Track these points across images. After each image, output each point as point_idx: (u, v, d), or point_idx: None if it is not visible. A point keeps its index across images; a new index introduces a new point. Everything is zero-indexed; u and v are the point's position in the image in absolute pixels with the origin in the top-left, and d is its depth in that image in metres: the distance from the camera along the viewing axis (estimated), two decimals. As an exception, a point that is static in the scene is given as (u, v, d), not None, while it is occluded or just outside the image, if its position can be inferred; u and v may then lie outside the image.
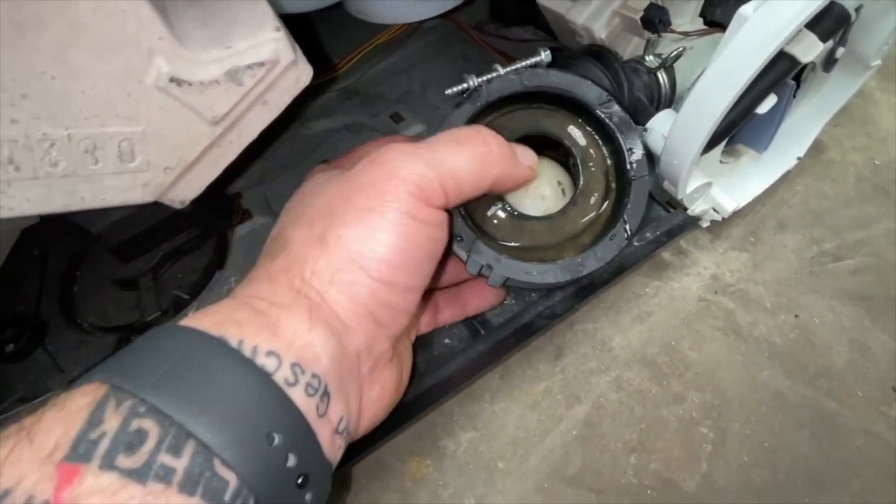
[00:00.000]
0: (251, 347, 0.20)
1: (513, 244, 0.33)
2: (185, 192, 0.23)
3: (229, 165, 0.26)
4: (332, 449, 0.22)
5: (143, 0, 0.17)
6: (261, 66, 0.20)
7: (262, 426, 0.19)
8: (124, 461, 0.16)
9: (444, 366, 0.36)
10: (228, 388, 0.18)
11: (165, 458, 0.17)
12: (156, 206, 0.25)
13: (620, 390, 0.39)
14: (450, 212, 0.27)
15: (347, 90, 0.56)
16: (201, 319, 0.21)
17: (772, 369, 0.40)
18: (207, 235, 0.45)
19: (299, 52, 0.23)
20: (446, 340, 0.38)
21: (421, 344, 0.36)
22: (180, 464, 0.17)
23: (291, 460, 0.19)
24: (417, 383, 0.35)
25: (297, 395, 0.20)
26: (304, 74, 0.23)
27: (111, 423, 0.17)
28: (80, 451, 0.16)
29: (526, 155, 0.30)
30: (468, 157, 0.26)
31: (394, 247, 0.23)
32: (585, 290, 0.39)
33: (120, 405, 0.17)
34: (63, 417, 0.17)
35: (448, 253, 0.35)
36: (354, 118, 0.54)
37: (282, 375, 0.20)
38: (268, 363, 0.20)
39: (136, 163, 0.20)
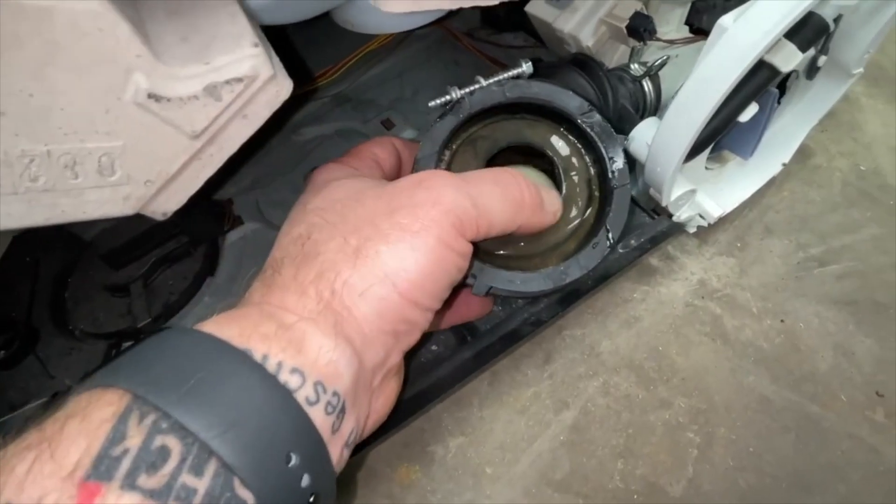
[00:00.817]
0: (276, 363, 0.20)
1: (497, 253, 0.33)
2: (167, 205, 0.23)
3: (216, 174, 0.26)
4: (340, 461, 0.22)
5: (121, 19, 0.17)
6: (239, 82, 0.21)
7: (282, 446, 0.18)
8: (146, 481, 0.16)
9: (431, 372, 0.36)
10: (251, 406, 0.18)
11: (187, 479, 0.16)
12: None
13: (608, 395, 0.40)
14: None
15: (339, 96, 0.56)
16: (226, 328, 0.20)
17: (758, 374, 0.41)
18: (198, 242, 0.45)
19: (279, 66, 0.23)
20: (433, 347, 0.38)
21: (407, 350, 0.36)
22: (201, 484, 0.17)
23: (305, 480, 0.19)
24: (404, 389, 0.35)
25: (317, 415, 0.20)
26: (283, 89, 0.23)
27: (134, 439, 0.17)
28: (101, 469, 0.16)
29: (553, 200, 0.31)
30: (504, 201, 0.27)
31: (426, 270, 0.24)
32: (570, 296, 0.40)
33: (143, 419, 0.17)
34: (85, 430, 0.17)
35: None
36: (346, 124, 0.54)
37: (304, 394, 0.20)
38: (291, 380, 0.20)
39: (116, 177, 0.20)
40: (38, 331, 0.42)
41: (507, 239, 0.33)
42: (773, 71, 0.33)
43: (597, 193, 0.35)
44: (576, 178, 0.35)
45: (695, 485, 0.36)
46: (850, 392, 0.40)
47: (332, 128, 0.54)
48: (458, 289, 0.35)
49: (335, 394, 0.21)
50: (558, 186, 0.35)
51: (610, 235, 0.32)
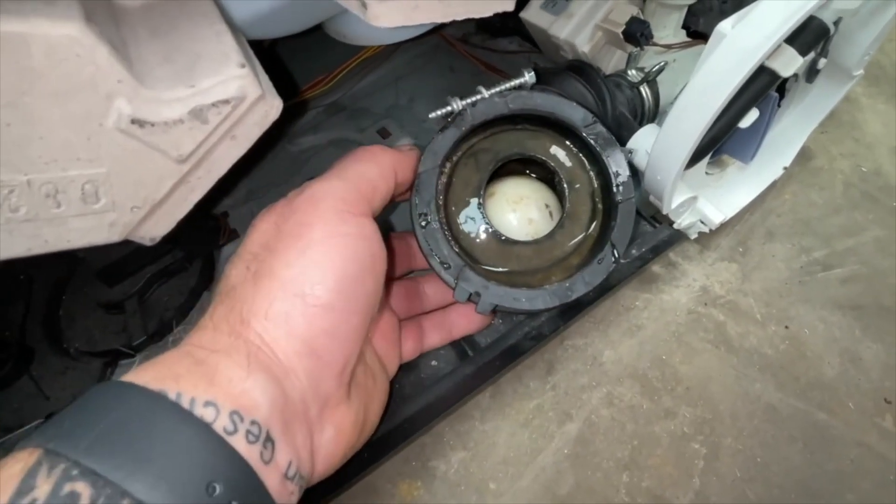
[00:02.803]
0: (189, 399, 0.20)
1: (501, 269, 0.33)
2: (155, 230, 0.23)
3: (209, 192, 0.25)
4: (284, 494, 0.22)
5: (100, 43, 0.17)
6: (226, 104, 0.20)
7: (202, 477, 0.18)
8: None
9: (430, 389, 0.35)
10: (166, 441, 0.18)
11: None
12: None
13: (612, 406, 0.39)
14: (384, 229, 0.27)
15: (334, 106, 0.56)
16: (142, 374, 0.21)
17: (763, 382, 0.40)
18: (193, 256, 0.45)
19: (267, 84, 0.23)
20: (433, 362, 0.37)
21: (407, 366, 0.36)
22: None
23: None
24: (404, 407, 0.35)
25: (238, 443, 0.20)
26: (272, 108, 0.23)
27: (42, 489, 0.17)
28: None
29: (396, 150, 0.31)
30: (367, 160, 0.28)
31: (326, 265, 0.23)
32: (572, 310, 0.39)
33: (52, 470, 0.17)
34: None
35: (392, 275, 0.35)
36: (341, 134, 0.53)
37: (220, 424, 0.20)
38: (206, 413, 0.20)
39: (100, 204, 0.20)
40: (32, 350, 0.41)
41: (510, 253, 0.33)
42: (774, 76, 0.32)
43: (601, 206, 0.34)
44: (579, 192, 0.34)
45: (702, 497, 0.36)
46: (858, 399, 0.39)
47: (327, 137, 0.53)
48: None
49: (254, 423, 0.21)
50: (562, 200, 0.34)
51: (615, 251, 0.32)
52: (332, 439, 0.25)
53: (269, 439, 0.21)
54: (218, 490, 0.18)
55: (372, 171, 0.27)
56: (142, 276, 0.43)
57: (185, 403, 0.19)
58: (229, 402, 0.20)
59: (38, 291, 0.44)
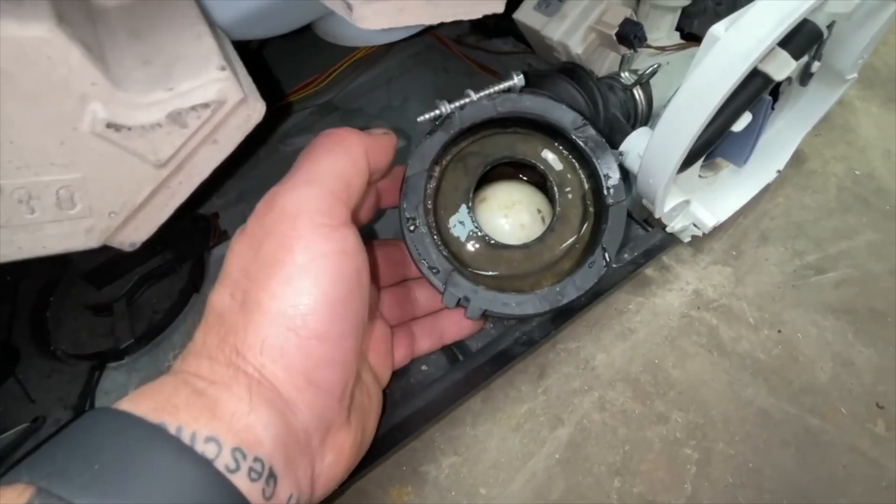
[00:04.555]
0: (190, 434, 0.19)
1: (490, 273, 0.32)
2: (135, 235, 0.22)
3: (197, 191, 0.25)
4: None
5: (73, 45, 0.16)
6: (206, 108, 0.19)
7: None
8: None
9: (421, 394, 0.35)
10: (165, 480, 0.18)
11: None
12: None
13: (604, 410, 0.39)
14: (367, 238, 0.25)
15: (326, 106, 0.55)
16: (140, 402, 0.20)
17: (756, 386, 0.40)
18: (183, 258, 0.44)
19: (250, 87, 0.22)
20: (423, 367, 0.37)
21: (397, 372, 0.35)
22: None
23: None
24: (395, 412, 0.34)
25: (240, 482, 0.19)
26: (255, 112, 0.22)
27: None
28: None
29: (375, 133, 0.29)
30: (333, 153, 0.25)
31: (315, 293, 0.22)
32: (563, 315, 0.39)
33: None
34: None
35: (380, 284, 0.34)
36: (333, 135, 0.53)
37: (222, 462, 0.19)
38: (207, 450, 0.19)
39: (76, 210, 0.19)
40: (18, 352, 0.41)
41: (500, 258, 0.32)
42: (767, 79, 0.32)
43: (592, 210, 0.34)
44: (570, 195, 0.34)
45: (694, 502, 0.36)
46: (851, 404, 0.39)
47: (320, 138, 0.53)
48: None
49: (257, 459, 0.20)
50: (552, 203, 0.34)
51: (606, 254, 0.31)
52: (332, 464, 0.25)
53: (271, 475, 0.20)
54: None
55: (343, 164, 0.25)
56: (130, 278, 0.43)
57: (186, 438, 0.19)
58: (231, 437, 0.19)
59: (25, 293, 0.44)
